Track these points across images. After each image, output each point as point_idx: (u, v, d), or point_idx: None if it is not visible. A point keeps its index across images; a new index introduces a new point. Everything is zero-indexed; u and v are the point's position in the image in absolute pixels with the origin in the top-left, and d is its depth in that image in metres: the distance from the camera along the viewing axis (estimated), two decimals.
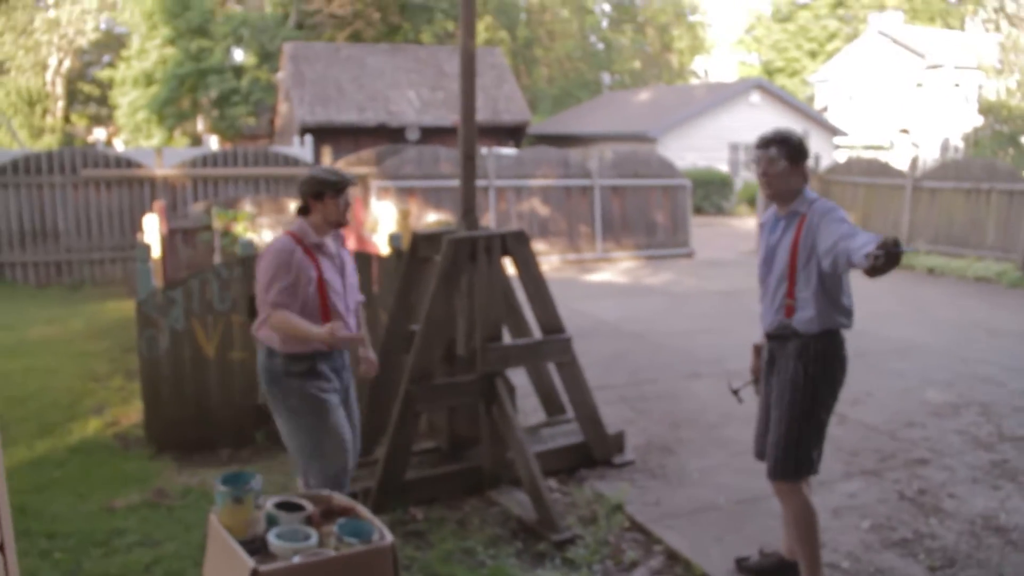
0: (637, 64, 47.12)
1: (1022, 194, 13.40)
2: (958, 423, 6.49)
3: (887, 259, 2.99)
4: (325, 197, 3.92)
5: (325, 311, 3.92)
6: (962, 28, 48.26)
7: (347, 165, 14.82)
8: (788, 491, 3.83)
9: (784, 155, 3.76)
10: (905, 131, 37.10)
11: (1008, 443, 6.07)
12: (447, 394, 5.02)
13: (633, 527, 4.74)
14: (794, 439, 3.75)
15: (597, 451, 5.52)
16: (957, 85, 37.17)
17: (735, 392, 4.23)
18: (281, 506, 3.43)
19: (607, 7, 48.32)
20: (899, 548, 4.47)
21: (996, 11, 45.55)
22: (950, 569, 4.24)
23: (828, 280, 3.67)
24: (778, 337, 3.82)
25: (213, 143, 27.88)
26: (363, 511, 3.44)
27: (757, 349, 4.06)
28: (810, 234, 3.66)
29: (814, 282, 3.67)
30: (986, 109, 30.51)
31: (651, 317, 10.34)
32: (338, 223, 3.99)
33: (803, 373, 3.72)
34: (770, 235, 3.88)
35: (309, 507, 3.45)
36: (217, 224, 10.40)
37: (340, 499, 3.58)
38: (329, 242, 4.03)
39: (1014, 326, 10.05)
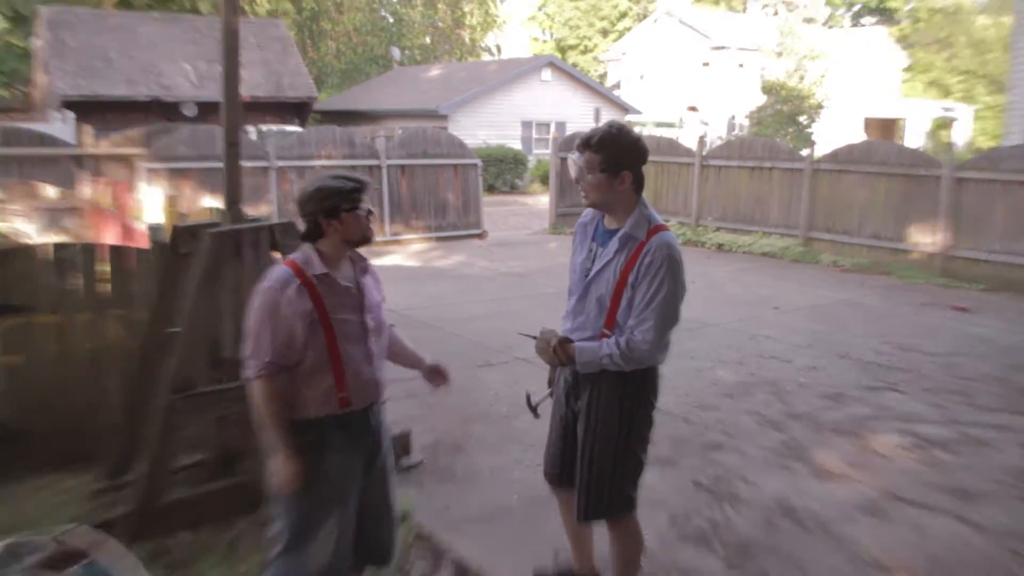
0: (428, 40, 46.71)
1: (800, 172, 14.11)
2: (749, 403, 6.61)
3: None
4: (341, 213, 3.04)
5: (336, 360, 3.05)
6: (744, 11, 51.18)
7: (113, 145, 13.64)
8: (616, 522, 3.48)
9: (599, 164, 3.13)
10: (694, 109, 38.82)
11: (795, 421, 6.23)
12: (213, 403, 4.49)
13: (421, 537, 4.44)
14: (607, 479, 3.33)
15: None
16: (741, 65, 39.28)
17: (533, 408, 3.76)
18: (6, 552, 2.91)
19: None
20: (696, 541, 4.41)
21: None
22: (746, 561, 4.21)
23: None
24: None
25: None
26: (110, 548, 2.98)
27: None
28: (640, 273, 3.16)
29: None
30: (768, 89, 32.33)
31: (441, 303, 10.09)
32: (364, 239, 3.15)
33: (618, 408, 3.28)
34: (592, 243, 3.32)
35: (42, 550, 2.95)
36: None
37: (83, 535, 3.09)
38: (344, 270, 3.16)
39: (797, 301, 10.54)
